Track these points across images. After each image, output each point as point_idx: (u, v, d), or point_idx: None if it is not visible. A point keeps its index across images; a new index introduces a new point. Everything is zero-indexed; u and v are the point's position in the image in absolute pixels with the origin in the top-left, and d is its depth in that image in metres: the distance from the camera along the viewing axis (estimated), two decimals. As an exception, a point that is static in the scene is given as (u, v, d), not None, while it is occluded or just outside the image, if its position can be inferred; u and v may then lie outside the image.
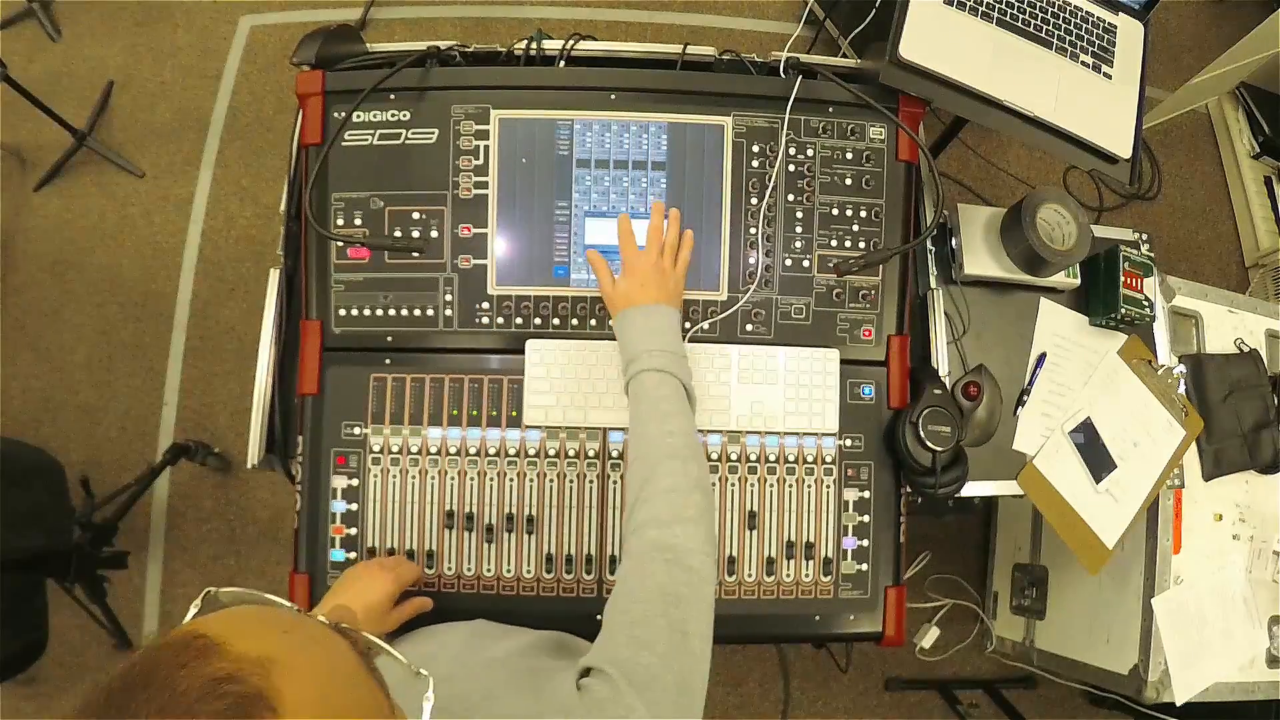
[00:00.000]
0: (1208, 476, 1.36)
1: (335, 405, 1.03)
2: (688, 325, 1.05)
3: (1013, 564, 1.89)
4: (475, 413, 1.03)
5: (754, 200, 1.07)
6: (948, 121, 1.76)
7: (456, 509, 1.01)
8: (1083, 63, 1.13)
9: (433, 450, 1.02)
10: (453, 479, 1.02)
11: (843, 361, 1.07)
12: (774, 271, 1.07)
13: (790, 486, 1.04)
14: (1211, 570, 1.37)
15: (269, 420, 1.08)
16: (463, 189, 1.05)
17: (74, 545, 1.57)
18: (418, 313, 1.05)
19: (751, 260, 1.07)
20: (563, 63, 1.12)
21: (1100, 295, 1.24)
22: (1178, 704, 1.32)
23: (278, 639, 0.38)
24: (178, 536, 1.96)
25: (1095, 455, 1.22)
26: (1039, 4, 1.13)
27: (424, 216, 1.04)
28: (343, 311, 1.05)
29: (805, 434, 1.05)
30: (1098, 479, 1.21)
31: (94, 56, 2.22)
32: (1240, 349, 1.41)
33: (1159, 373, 1.27)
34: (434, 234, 1.04)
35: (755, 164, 1.07)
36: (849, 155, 1.08)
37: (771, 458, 1.04)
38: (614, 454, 1.03)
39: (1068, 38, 1.13)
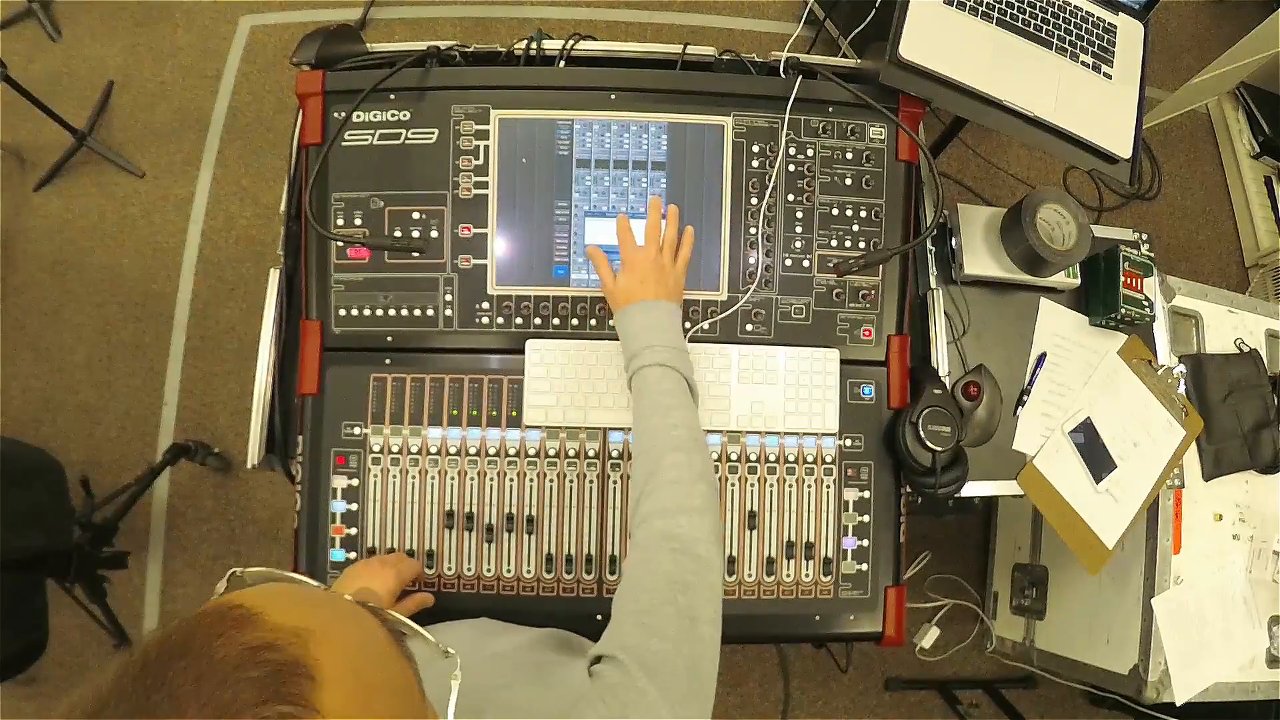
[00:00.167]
0: (1208, 476, 1.36)
1: (335, 405, 1.03)
2: (688, 325, 1.05)
3: (1013, 564, 1.89)
4: (475, 413, 1.03)
5: (754, 200, 1.07)
6: (948, 121, 1.76)
7: (456, 509, 1.01)
8: (1083, 63, 1.13)
9: (433, 450, 1.02)
10: (453, 479, 1.02)
11: (843, 361, 1.07)
12: (774, 271, 1.07)
13: (790, 486, 1.04)
14: (1211, 570, 1.37)
15: (269, 420, 1.08)
16: (463, 189, 1.05)
17: (74, 545, 1.57)
18: (418, 313, 1.05)
19: (751, 260, 1.07)
20: (563, 63, 1.12)
21: (1100, 295, 1.24)
22: (1178, 704, 1.32)
23: (312, 611, 0.38)
24: (178, 536, 1.96)
25: (1095, 455, 1.22)
26: (1039, 4, 1.13)
27: (424, 216, 1.04)
28: (343, 311, 1.05)
29: (805, 434, 1.05)
30: (1098, 479, 1.21)
31: (94, 56, 2.22)
32: (1240, 349, 1.41)
33: (1159, 373, 1.27)
34: (434, 234, 1.04)
35: (755, 164, 1.07)
36: (849, 155, 1.08)
37: (771, 458, 1.04)
38: (614, 454, 1.03)
39: (1068, 38, 1.13)
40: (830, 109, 1.08)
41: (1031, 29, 1.12)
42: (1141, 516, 1.25)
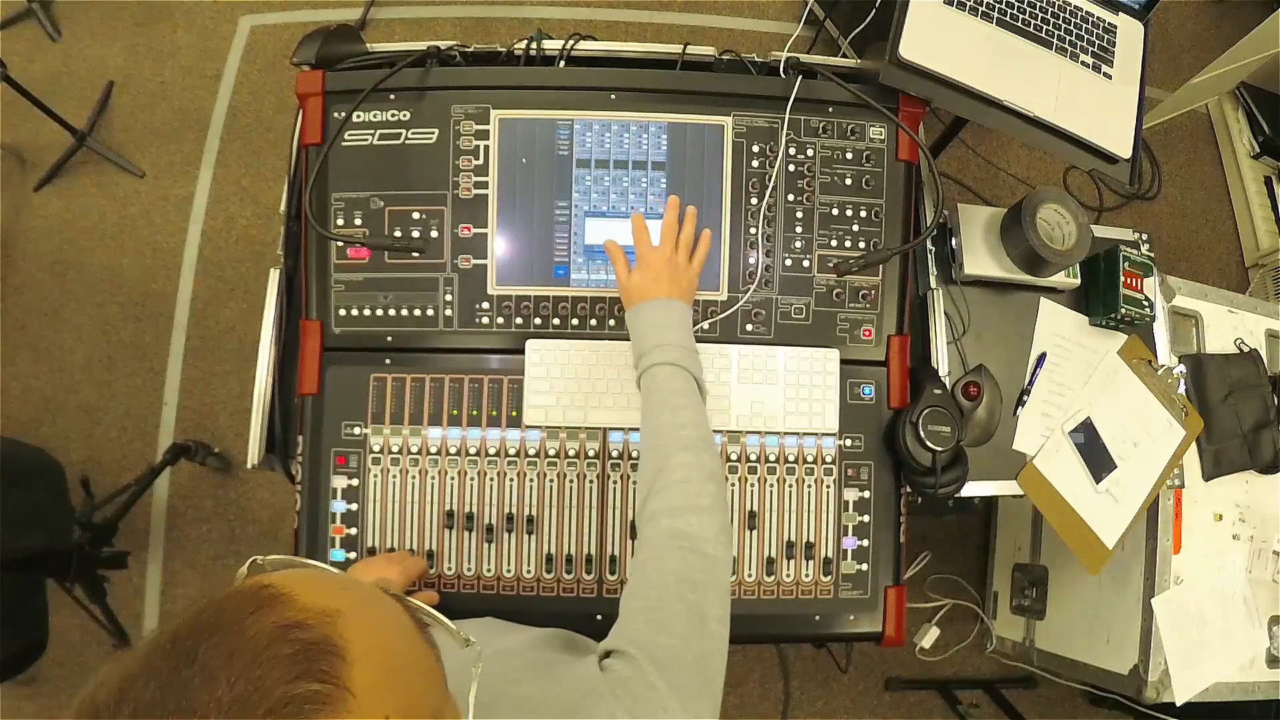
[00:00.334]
0: (1208, 476, 1.36)
1: (335, 405, 1.03)
2: (688, 325, 1.05)
3: (1013, 564, 1.89)
4: (475, 413, 1.03)
5: (754, 200, 1.07)
6: (948, 121, 1.76)
7: (456, 509, 1.01)
8: (1083, 63, 1.13)
9: (433, 450, 1.02)
10: (453, 479, 1.02)
11: (843, 361, 1.07)
12: (774, 271, 1.07)
13: (790, 486, 1.04)
14: (1211, 570, 1.37)
15: (269, 420, 1.08)
16: (463, 189, 1.05)
17: (74, 545, 1.57)
18: (418, 313, 1.05)
19: (751, 260, 1.07)
20: (563, 63, 1.12)
21: (1100, 295, 1.24)
22: (1178, 704, 1.32)
23: (340, 593, 0.39)
24: (178, 536, 1.96)
25: (1095, 455, 1.22)
26: (1039, 4, 1.13)
27: (424, 216, 1.04)
28: (343, 311, 1.05)
29: (805, 434, 1.05)
30: (1098, 479, 1.21)
31: (94, 56, 2.22)
32: (1240, 349, 1.41)
33: (1159, 373, 1.27)
34: (434, 234, 1.04)
35: (755, 164, 1.07)
36: (849, 155, 1.08)
37: (771, 458, 1.04)
38: (614, 454, 1.03)
39: (1068, 38, 1.13)
40: (830, 109, 1.08)
41: (1031, 29, 1.12)
42: (1141, 516, 1.25)
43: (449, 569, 1.01)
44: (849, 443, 1.06)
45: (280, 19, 2.29)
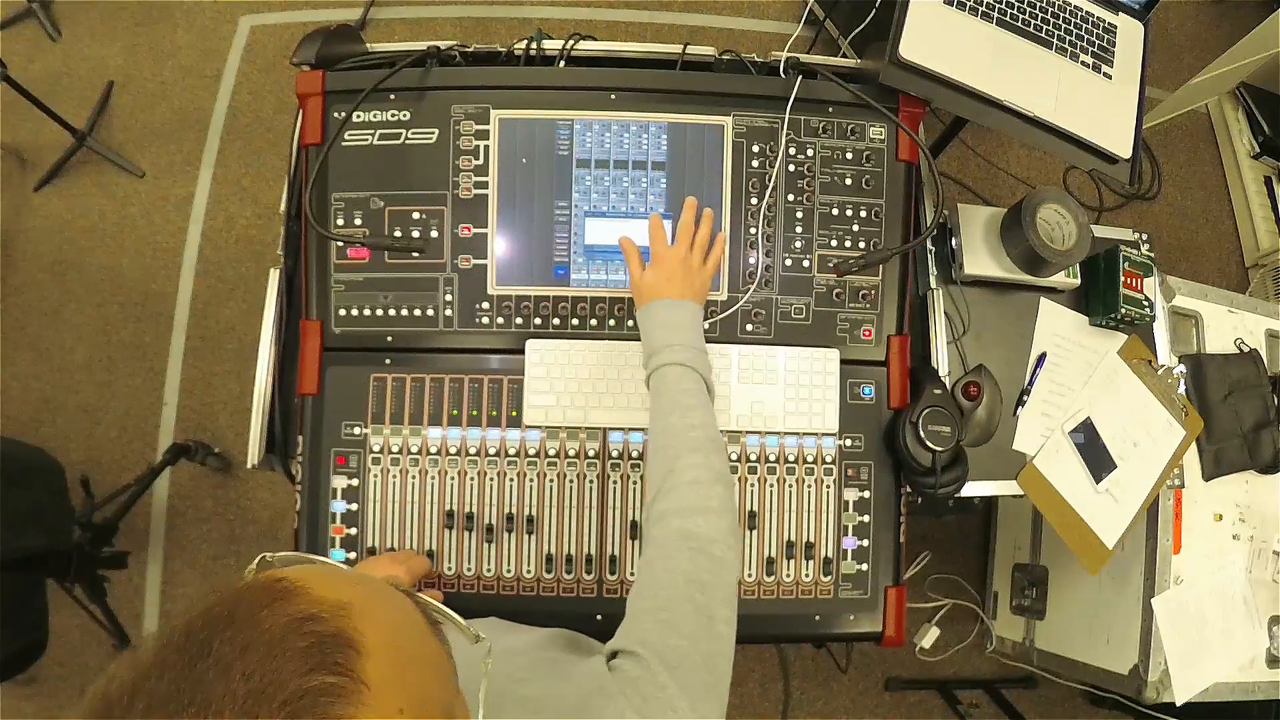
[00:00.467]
0: (1208, 476, 1.36)
1: (335, 405, 1.03)
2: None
3: (1013, 564, 1.89)
4: (475, 413, 1.03)
5: (754, 200, 1.07)
6: (948, 121, 1.76)
7: (456, 509, 1.01)
8: (1083, 63, 1.13)
9: (433, 450, 1.02)
10: (453, 479, 1.02)
11: (843, 361, 1.07)
12: (774, 271, 1.07)
13: (790, 486, 1.04)
14: (1211, 570, 1.37)
15: (269, 420, 1.08)
16: (463, 189, 1.05)
17: (74, 545, 1.57)
18: (418, 313, 1.05)
19: (751, 260, 1.07)
20: (563, 63, 1.12)
21: (1100, 295, 1.24)
22: (1178, 704, 1.32)
23: (353, 587, 0.39)
24: (178, 536, 1.96)
25: (1095, 455, 1.22)
26: (1039, 4, 1.13)
27: (424, 216, 1.04)
28: (343, 311, 1.04)
29: (805, 434, 1.05)
30: (1098, 479, 1.21)
31: (94, 56, 2.22)
32: (1240, 349, 1.41)
33: (1159, 373, 1.27)
34: (434, 234, 1.04)
35: (755, 164, 1.07)
36: (849, 155, 1.08)
37: (771, 458, 1.04)
38: (614, 454, 1.03)
39: (1068, 38, 1.13)
40: (830, 109, 1.08)
41: (1031, 29, 1.12)
42: (1141, 516, 1.25)
43: (449, 569, 1.01)
44: (849, 443, 1.06)
45: (280, 19, 2.29)
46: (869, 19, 1.45)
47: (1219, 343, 1.40)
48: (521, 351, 1.04)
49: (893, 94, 1.07)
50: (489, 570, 1.01)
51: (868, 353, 1.08)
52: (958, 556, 2.05)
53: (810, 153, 1.07)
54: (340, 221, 1.04)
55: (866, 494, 1.05)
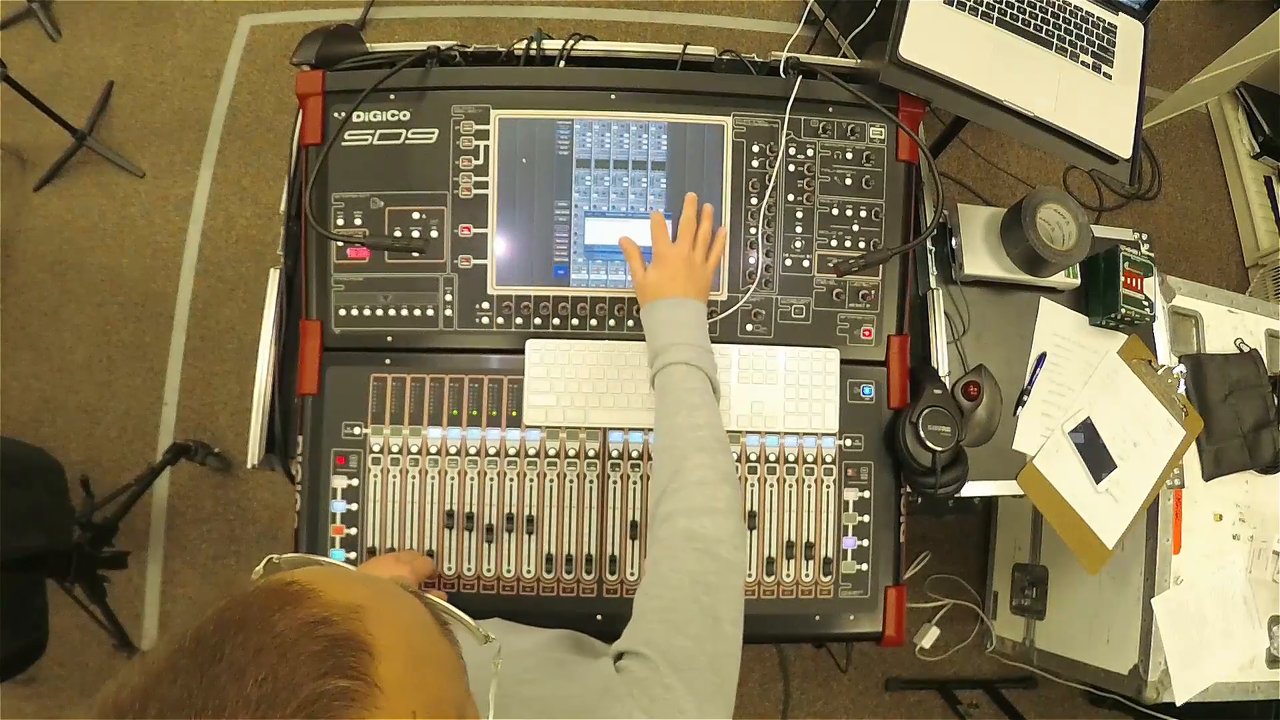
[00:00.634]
0: (1208, 476, 1.36)
1: (335, 405, 1.03)
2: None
3: (1013, 564, 1.89)
4: (475, 413, 1.03)
5: (754, 200, 1.07)
6: (948, 121, 1.76)
7: (456, 509, 1.01)
8: (1083, 63, 1.13)
9: (433, 450, 1.02)
10: (453, 479, 1.02)
11: (843, 361, 1.07)
12: (774, 271, 1.07)
13: (790, 486, 1.04)
14: (1211, 570, 1.37)
15: (269, 420, 1.08)
16: (463, 189, 1.05)
17: (74, 545, 1.57)
18: (418, 313, 1.05)
19: (751, 260, 1.07)
20: (563, 63, 1.12)
21: (1100, 295, 1.24)
22: (1178, 704, 1.32)
23: (363, 589, 0.39)
24: (178, 536, 1.96)
25: (1095, 455, 1.22)
26: (1039, 4, 1.13)
27: (424, 216, 1.04)
28: (343, 311, 1.04)
29: (805, 434, 1.05)
30: (1098, 479, 1.21)
31: (94, 56, 2.22)
32: (1240, 349, 1.41)
33: (1159, 373, 1.27)
34: (434, 234, 1.04)
35: (755, 164, 1.07)
36: (849, 155, 1.08)
37: (771, 458, 1.04)
38: (614, 454, 1.03)
39: (1068, 38, 1.13)
40: (830, 109, 1.08)
41: (1031, 29, 1.12)
42: (1141, 516, 1.25)
43: (449, 569, 1.01)
44: (849, 443, 1.06)
45: (280, 19, 2.29)
46: (869, 19, 1.45)
47: (1219, 343, 1.40)
48: (521, 351, 1.04)
49: (893, 94, 1.07)
50: (489, 570, 1.01)
51: (868, 353, 1.08)
52: (958, 556, 2.05)
53: (810, 153, 1.07)
54: (340, 221, 1.04)
55: (866, 494, 1.05)
